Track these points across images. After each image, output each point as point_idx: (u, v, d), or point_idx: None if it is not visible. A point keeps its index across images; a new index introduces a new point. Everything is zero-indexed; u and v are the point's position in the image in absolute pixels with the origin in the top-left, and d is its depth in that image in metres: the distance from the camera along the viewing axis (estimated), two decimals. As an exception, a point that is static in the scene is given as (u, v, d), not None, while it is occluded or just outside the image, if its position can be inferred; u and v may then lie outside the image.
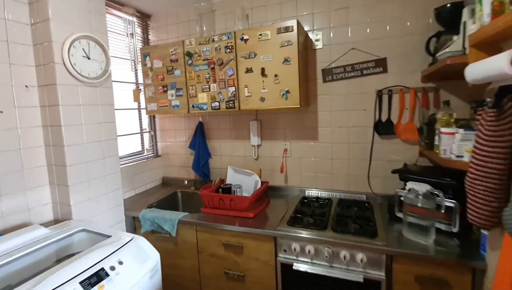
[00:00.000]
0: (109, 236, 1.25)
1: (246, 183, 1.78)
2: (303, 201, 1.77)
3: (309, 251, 1.33)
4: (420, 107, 1.65)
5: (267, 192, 1.94)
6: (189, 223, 1.61)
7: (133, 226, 1.83)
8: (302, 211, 1.60)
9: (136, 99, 2.10)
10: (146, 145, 2.43)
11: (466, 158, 1.15)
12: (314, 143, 1.90)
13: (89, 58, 1.54)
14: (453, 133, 1.23)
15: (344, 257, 1.28)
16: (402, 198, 1.40)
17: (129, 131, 2.25)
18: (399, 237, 1.31)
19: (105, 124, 1.66)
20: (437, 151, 1.33)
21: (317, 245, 1.34)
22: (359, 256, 1.26)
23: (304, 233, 1.36)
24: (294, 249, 1.36)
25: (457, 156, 1.18)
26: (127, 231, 1.80)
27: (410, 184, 1.33)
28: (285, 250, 1.41)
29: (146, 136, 2.42)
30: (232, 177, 1.85)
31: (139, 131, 2.34)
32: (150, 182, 2.29)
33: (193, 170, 2.17)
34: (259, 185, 1.77)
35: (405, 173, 1.48)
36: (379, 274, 1.25)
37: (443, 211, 1.28)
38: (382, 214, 1.55)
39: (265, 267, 1.48)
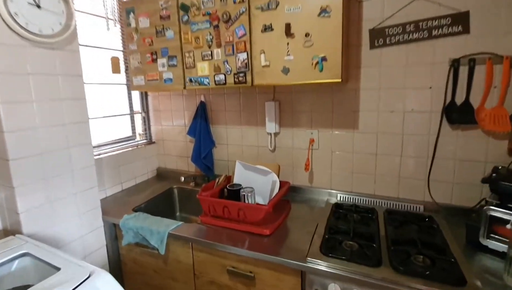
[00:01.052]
0: (57, 269, 0.84)
1: (259, 184, 1.32)
2: (336, 211, 1.31)
3: (356, 299, 0.88)
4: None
5: (287, 196, 1.49)
6: (182, 239, 1.18)
7: (114, 235, 1.43)
8: (338, 228, 1.15)
9: (116, 70, 1.63)
10: (139, 130, 2.00)
11: None
12: (352, 133, 1.41)
13: (39, 7, 1.07)
14: None
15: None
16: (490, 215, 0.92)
17: (116, 112, 1.81)
18: (498, 286, 0.84)
19: (71, 101, 1.21)
20: None
21: (368, 289, 0.89)
22: (439, 315, 0.80)
23: (347, 270, 0.91)
24: (332, 293, 0.91)
25: None
26: (106, 241, 1.40)
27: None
28: (317, 291, 0.97)
29: (139, 119, 1.98)
30: (241, 176, 1.40)
31: (128, 112, 1.90)
32: (141, 174, 1.87)
33: (193, 162, 1.73)
34: (277, 188, 1.31)
35: (504, 181, 0.98)
36: None
37: None
38: (456, 238, 1.08)
39: (286, 307, 1.06)
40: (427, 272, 0.85)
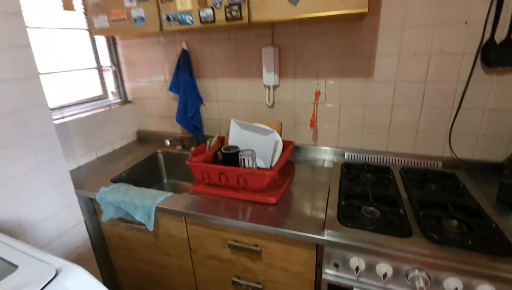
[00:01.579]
0: (14, 267, 0.65)
1: (259, 145, 1.13)
2: (347, 172, 1.15)
3: (385, 274, 0.76)
4: None
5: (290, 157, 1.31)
6: (173, 213, 1.00)
7: (93, 210, 1.23)
8: (353, 192, 0.99)
9: (68, 6, 1.28)
10: (111, 87, 1.70)
11: None
12: (366, 83, 1.20)
13: None
14: None
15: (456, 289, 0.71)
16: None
17: (79, 66, 1.49)
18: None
19: (9, 50, 0.91)
20: None
21: (399, 264, 0.77)
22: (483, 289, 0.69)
23: (373, 243, 0.77)
24: (357, 269, 0.78)
25: None
26: (84, 217, 1.21)
27: None
28: (336, 265, 0.84)
29: (109, 75, 1.66)
30: (237, 136, 1.19)
31: (95, 66, 1.58)
32: (119, 139, 1.62)
33: (178, 122, 1.49)
34: (280, 149, 1.12)
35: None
36: (515, 319, 0.70)
37: None
38: (486, 197, 0.96)
39: (298, 282, 0.94)
40: (469, 241, 0.72)
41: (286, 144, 1.16)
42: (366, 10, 0.84)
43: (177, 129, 1.63)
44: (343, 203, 0.92)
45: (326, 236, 0.80)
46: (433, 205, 0.90)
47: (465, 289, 0.71)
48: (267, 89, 1.35)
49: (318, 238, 0.81)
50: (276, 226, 0.86)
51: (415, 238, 0.77)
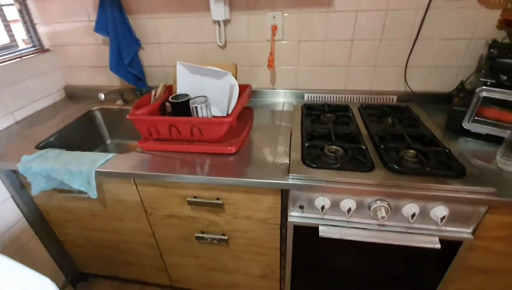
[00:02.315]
0: None
1: (212, 90, 0.99)
2: (308, 113, 1.10)
3: (349, 209, 0.76)
4: None
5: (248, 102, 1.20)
6: (120, 176, 0.87)
7: (18, 183, 1.03)
8: (316, 133, 0.95)
9: None
10: (22, 35, 1.35)
11: None
12: (326, 13, 1.09)
13: None
14: None
15: (413, 215, 0.74)
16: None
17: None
18: (493, 170, 0.78)
19: None
20: None
21: (363, 197, 0.77)
22: (438, 211, 0.73)
23: (339, 181, 0.74)
24: (322, 208, 0.77)
25: None
26: (10, 193, 1.01)
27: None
28: (301, 207, 0.82)
29: (15, 17, 1.30)
30: (186, 82, 1.03)
31: (-15, 0, 1.20)
32: (42, 97, 1.34)
33: (114, 72, 1.25)
34: (236, 93, 1.01)
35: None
36: (464, 231, 0.77)
37: None
38: (437, 126, 0.99)
39: (264, 227, 0.92)
40: (427, 169, 0.74)
41: (242, 88, 1.04)
42: None
43: (115, 81, 1.39)
44: (306, 144, 0.87)
45: (291, 180, 0.76)
46: (392, 137, 0.91)
47: (421, 213, 0.75)
48: (217, 26, 1.16)
49: (283, 183, 0.76)
50: (238, 176, 0.79)
51: (377, 171, 0.76)
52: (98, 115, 1.32)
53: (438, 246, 0.75)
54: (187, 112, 0.94)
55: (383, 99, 1.21)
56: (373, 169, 0.76)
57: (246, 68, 1.24)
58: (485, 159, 0.83)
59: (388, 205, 0.75)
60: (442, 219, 0.72)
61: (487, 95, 0.87)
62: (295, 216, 0.83)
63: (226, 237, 0.96)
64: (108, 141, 1.37)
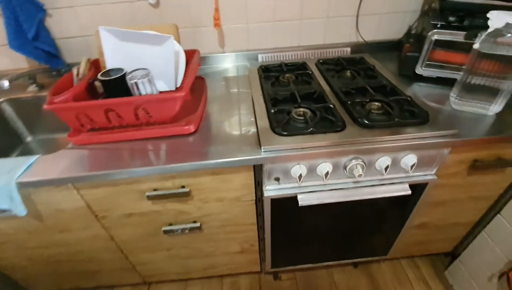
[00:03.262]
0: None
1: (153, 60, 0.82)
2: (266, 76, 1.01)
3: (326, 173, 0.72)
4: None
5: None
6: (51, 183, 0.69)
7: None
8: (278, 96, 0.87)
9: None
10: None
11: None
12: (270, -44, 0.95)
13: None
14: None
15: (386, 167, 0.73)
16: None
17: None
18: (449, 112, 0.81)
19: None
20: None
21: (338, 159, 0.73)
22: (408, 159, 0.74)
23: (314, 146, 0.69)
24: (300, 176, 0.72)
25: None
26: None
27: (495, 16, 0.70)
28: (277, 179, 0.76)
29: None
30: (116, 53, 0.83)
31: None
32: None
33: (14, 49, 0.97)
34: (183, 60, 0.86)
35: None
36: (429, 174, 0.80)
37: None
38: (391, 74, 0.99)
39: (238, 206, 0.85)
40: (395, 119, 0.73)
41: (189, 54, 0.89)
42: None
43: (20, 62, 1.09)
44: (272, 111, 0.79)
45: (264, 153, 0.68)
46: (355, 92, 0.88)
47: (393, 163, 0.75)
48: (141, -21, 0.94)
49: (256, 158, 0.68)
50: (203, 159, 0.68)
51: (349, 128, 0.73)
52: (7, 108, 1.04)
53: (409, 192, 0.77)
54: (125, 90, 0.77)
55: (338, 52, 1.16)
56: (345, 128, 0.73)
57: (188, 30, 1.06)
58: (439, 101, 0.86)
59: (363, 161, 0.73)
60: (412, 166, 0.73)
61: (438, 37, 0.88)
62: (271, 189, 0.78)
63: (198, 224, 0.88)
64: (29, 139, 1.11)
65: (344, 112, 0.79)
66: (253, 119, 0.80)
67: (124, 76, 0.77)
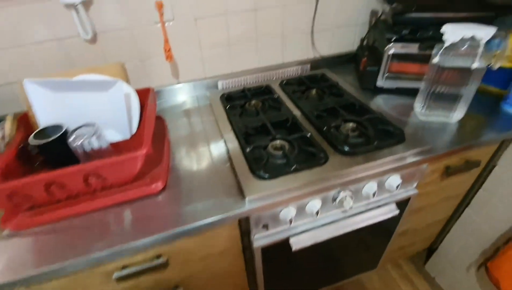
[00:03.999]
0: None
1: (99, 109, 0.70)
2: (231, 105, 0.93)
3: (317, 211, 0.67)
4: None
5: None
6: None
7: None
8: (249, 130, 0.81)
9: None
10: None
11: None
12: (218, -21, 0.88)
13: None
14: None
15: (374, 193, 0.71)
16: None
17: None
18: (416, 125, 0.82)
19: None
20: None
21: (326, 193, 0.69)
22: (393, 180, 0.73)
23: (301, 186, 0.64)
24: (290, 220, 0.66)
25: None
26: None
27: (449, 28, 0.73)
28: (266, 226, 0.69)
29: None
30: (48, 107, 0.68)
31: None
32: None
33: None
34: (135, 103, 0.75)
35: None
36: (411, 189, 0.80)
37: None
38: (354, 88, 1.00)
39: (224, 260, 0.76)
40: (375, 142, 0.71)
41: (142, 94, 0.77)
42: None
43: None
44: (247, 150, 0.72)
45: (250, 204, 0.61)
46: (327, 114, 0.85)
47: (378, 187, 0.74)
48: (73, 12, 0.80)
49: (241, 212, 0.60)
50: (179, 224, 0.58)
51: (332, 159, 0.69)
52: None
53: (397, 212, 0.77)
54: (68, 152, 0.63)
55: (298, 70, 1.14)
56: (328, 159, 0.69)
57: (135, 64, 0.94)
58: (405, 113, 0.87)
59: (351, 191, 0.70)
60: (397, 187, 0.72)
61: (395, 51, 0.89)
62: (260, 238, 0.70)
63: (181, 289, 0.76)
64: None
65: (322, 140, 0.75)
66: (228, 163, 0.72)
67: (64, 134, 0.63)
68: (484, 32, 0.69)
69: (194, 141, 0.82)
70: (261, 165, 0.67)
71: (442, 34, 0.73)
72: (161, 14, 0.85)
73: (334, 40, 1.14)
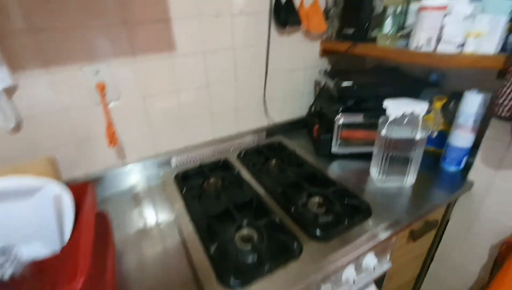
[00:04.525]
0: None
1: (19, 220, 0.54)
2: (187, 187, 0.84)
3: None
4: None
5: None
6: None
7: None
8: (210, 217, 0.72)
9: None
10: None
11: (471, 47, 0.73)
12: (169, 59, 0.86)
13: None
14: (443, 8, 0.74)
15: (354, 281, 0.66)
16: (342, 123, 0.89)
17: None
18: (375, 192, 0.84)
19: None
20: (391, 42, 0.85)
21: (306, 288, 0.61)
22: (369, 259, 0.69)
23: (278, 286, 0.56)
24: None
25: (457, 46, 0.74)
26: None
27: (390, 105, 0.79)
28: None
29: None
30: None
31: None
32: None
33: None
34: (68, 206, 0.61)
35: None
36: (385, 263, 0.77)
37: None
38: (309, 155, 1.01)
39: None
40: (345, 221, 0.68)
41: (77, 191, 0.64)
42: None
43: None
44: (212, 249, 0.62)
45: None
46: (291, 190, 0.81)
47: (357, 270, 0.69)
48: (-14, 98, 0.67)
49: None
50: None
51: (306, 248, 0.63)
52: None
53: (377, 291, 0.72)
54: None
55: (255, 139, 1.13)
56: (302, 249, 0.63)
57: (70, 151, 0.81)
58: (363, 179, 0.89)
59: (331, 282, 0.64)
60: (374, 267, 0.69)
61: (344, 121, 0.94)
62: None
63: None
64: None
65: (292, 223, 0.70)
66: (189, 269, 0.61)
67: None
68: (420, 107, 0.77)
69: (145, 243, 0.69)
70: (230, 268, 0.57)
71: (381, 104, 0.80)
72: (103, 96, 0.77)
73: (285, 108, 1.19)
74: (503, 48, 0.72)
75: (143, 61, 0.81)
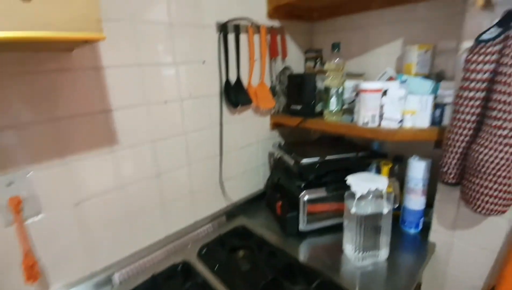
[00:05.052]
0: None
1: None
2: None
3: None
4: (268, 56, 1.08)
5: None
6: None
7: None
8: None
9: None
10: None
11: (409, 123, 0.82)
12: (111, 154, 0.72)
13: None
14: (379, 90, 0.83)
15: None
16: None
17: None
18: (354, 271, 0.79)
19: None
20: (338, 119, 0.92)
21: None
22: None
23: None
24: None
25: (397, 122, 0.83)
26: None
27: (353, 182, 0.79)
28: None
29: None
30: None
31: None
32: None
33: None
34: None
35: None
36: None
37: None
38: (275, 236, 0.93)
39: None
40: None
41: None
42: (102, 36, 0.39)
43: None
44: None
45: None
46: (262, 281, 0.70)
47: None
48: None
49: None
50: None
51: None
52: None
53: None
54: None
55: (215, 225, 1.00)
56: None
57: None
58: (337, 259, 0.83)
59: None
60: None
61: (308, 197, 0.92)
62: None
63: None
64: None
65: None
66: None
67: None
68: (381, 183, 0.79)
69: None
70: None
71: (340, 176, 0.82)
72: (18, 213, 0.57)
73: (242, 185, 1.12)
74: (433, 122, 0.82)
75: (76, 160, 0.66)
